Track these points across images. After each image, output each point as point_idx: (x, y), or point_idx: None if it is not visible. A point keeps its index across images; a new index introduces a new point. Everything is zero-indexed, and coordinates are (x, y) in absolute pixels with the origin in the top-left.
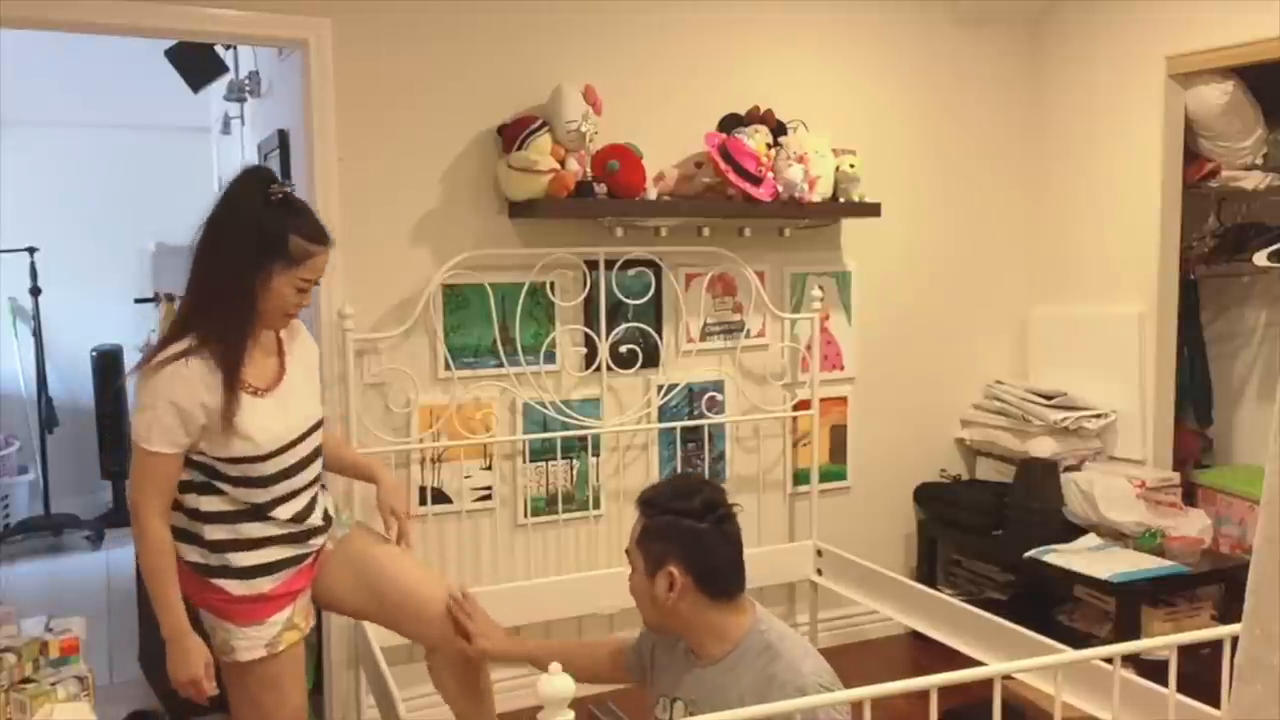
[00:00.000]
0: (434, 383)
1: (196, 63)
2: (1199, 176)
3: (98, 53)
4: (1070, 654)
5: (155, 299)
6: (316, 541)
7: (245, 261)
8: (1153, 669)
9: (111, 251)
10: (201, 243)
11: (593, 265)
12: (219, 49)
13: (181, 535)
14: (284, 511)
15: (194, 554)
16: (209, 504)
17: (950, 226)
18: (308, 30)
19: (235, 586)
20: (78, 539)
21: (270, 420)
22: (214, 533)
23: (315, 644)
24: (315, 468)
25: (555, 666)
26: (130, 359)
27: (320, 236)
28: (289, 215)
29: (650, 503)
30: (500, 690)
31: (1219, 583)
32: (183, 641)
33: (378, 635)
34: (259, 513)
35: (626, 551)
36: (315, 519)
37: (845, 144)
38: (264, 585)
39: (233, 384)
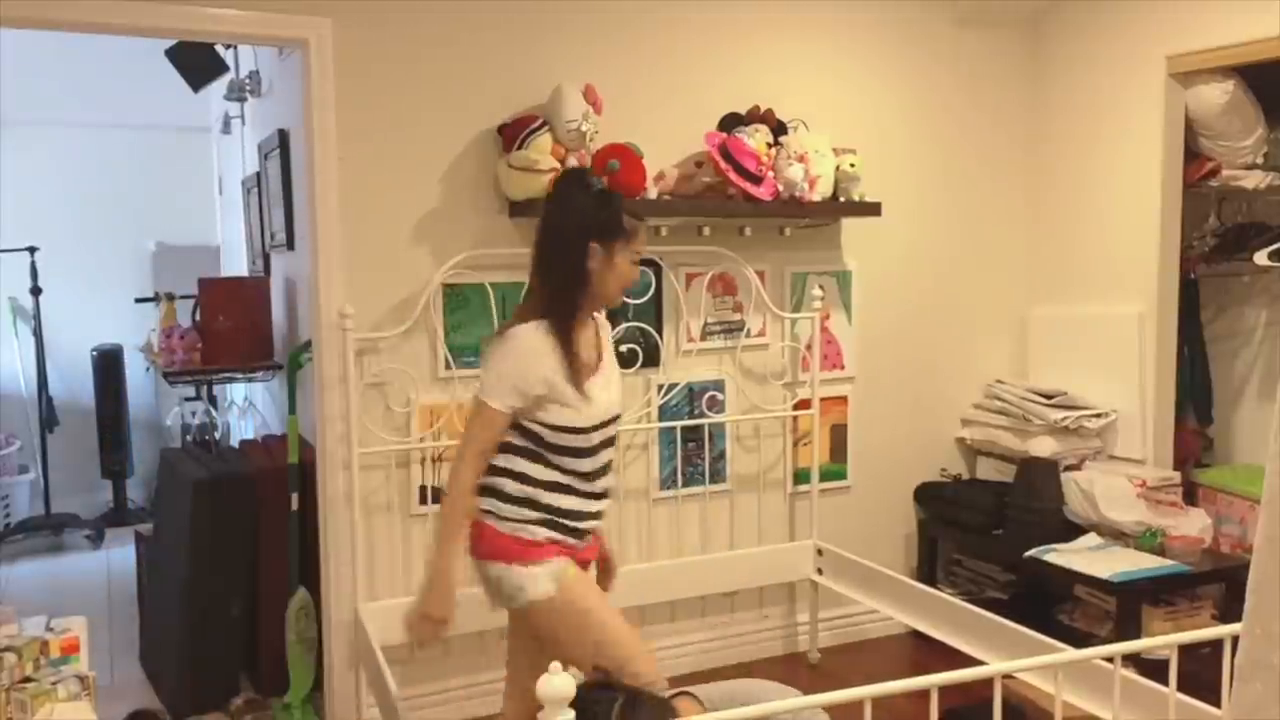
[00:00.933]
0: (434, 382)
1: (197, 62)
2: (1199, 176)
3: (98, 52)
4: (1071, 653)
5: (155, 298)
6: (592, 524)
7: (588, 248)
8: (1153, 668)
9: (112, 251)
10: (544, 241)
11: None
12: (219, 49)
13: (490, 490)
14: (583, 484)
15: (504, 509)
16: (526, 467)
17: (951, 226)
18: (308, 30)
19: (533, 531)
20: (78, 538)
21: (596, 396)
22: (521, 488)
23: (316, 643)
24: (611, 453)
25: (556, 666)
26: (131, 358)
27: (636, 213)
28: (611, 200)
29: None
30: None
31: (1219, 582)
32: (447, 581)
33: (378, 634)
34: (569, 478)
35: None
36: (601, 504)
37: (845, 143)
38: (543, 534)
39: (572, 361)
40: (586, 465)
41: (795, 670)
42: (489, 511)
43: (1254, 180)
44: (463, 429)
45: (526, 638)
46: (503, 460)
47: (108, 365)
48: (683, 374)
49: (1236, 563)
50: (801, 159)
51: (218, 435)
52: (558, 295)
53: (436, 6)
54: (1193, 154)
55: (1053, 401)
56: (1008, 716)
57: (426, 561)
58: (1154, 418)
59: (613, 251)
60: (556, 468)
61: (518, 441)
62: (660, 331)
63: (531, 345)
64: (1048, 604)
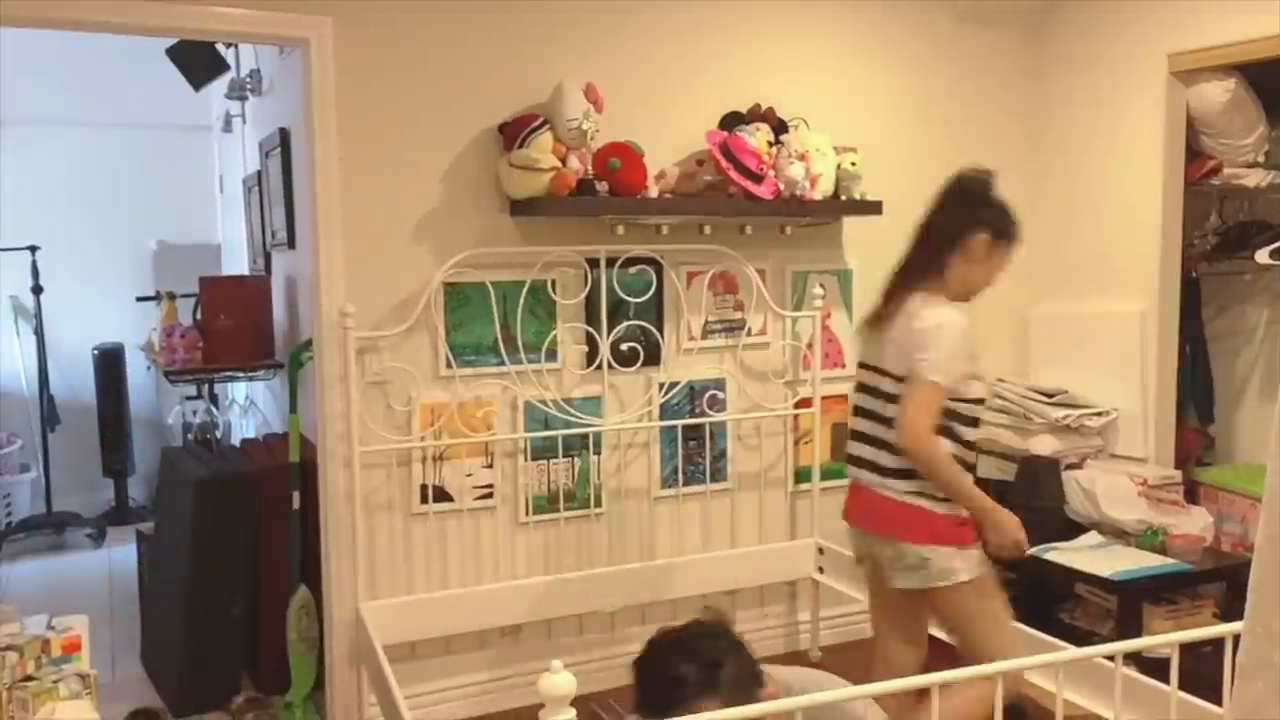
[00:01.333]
0: (435, 381)
1: (198, 61)
2: (1201, 174)
3: (99, 51)
4: (1072, 652)
5: (157, 297)
6: None
7: (992, 245)
8: (1155, 667)
9: (113, 250)
10: (951, 227)
11: (594, 263)
12: (220, 47)
13: (907, 474)
14: (970, 456)
15: (926, 487)
16: (948, 446)
17: None
18: (309, 29)
19: (960, 510)
20: (79, 537)
21: None
22: None
23: (317, 642)
24: None
25: (557, 664)
26: (132, 357)
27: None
28: (1007, 205)
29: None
30: (500, 688)
31: (1221, 581)
32: (997, 513)
33: (379, 633)
34: (963, 450)
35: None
36: None
37: (846, 142)
38: (965, 512)
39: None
40: (973, 434)
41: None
42: (919, 493)
43: (1255, 179)
44: (908, 409)
45: (907, 617)
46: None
47: (109, 364)
48: (684, 373)
49: (1238, 561)
50: (802, 157)
51: (219, 434)
52: (960, 278)
53: (437, 5)
54: (1194, 152)
55: (1054, 400)
56: (1009, 715)
57: (977, 509)
58: (1155, 416)
59: (1005, 253)
60: (959, 440)
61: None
62: (661, 330)
63: (965, 324)
64: (1049, 603)
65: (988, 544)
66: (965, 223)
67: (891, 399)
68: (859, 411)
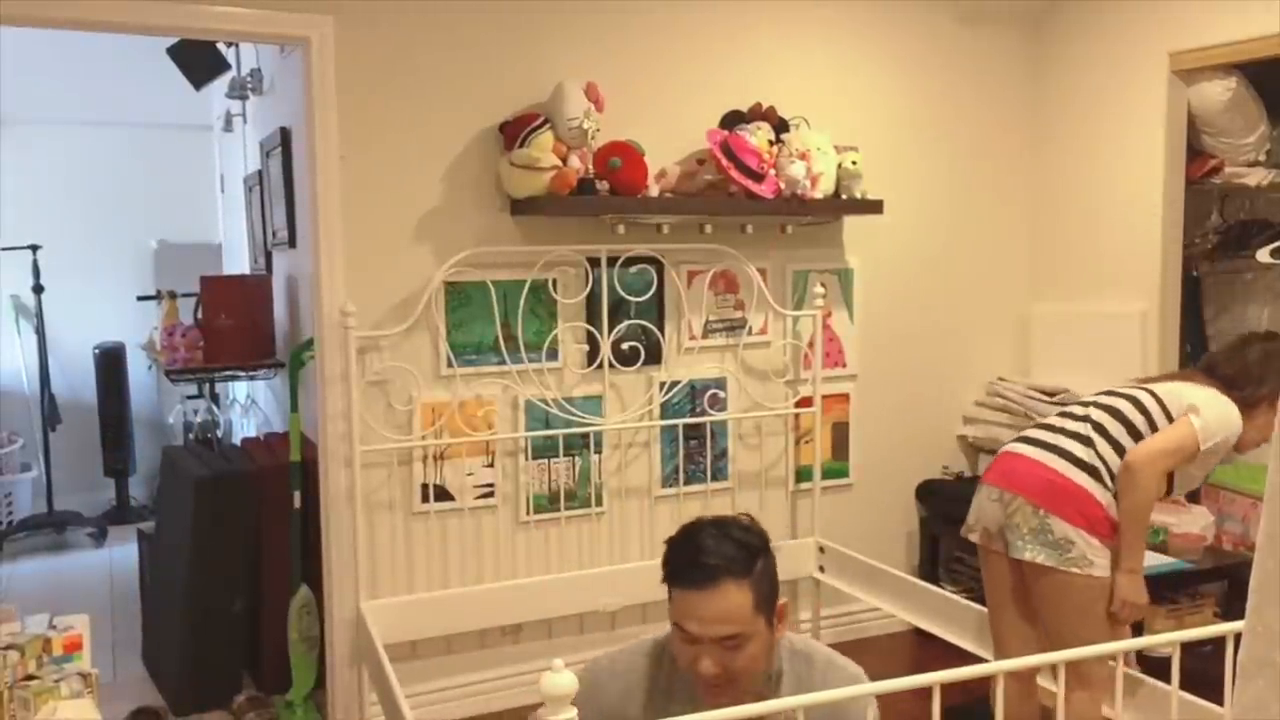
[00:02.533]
0: (436, 380)
1: (198, 60)
2: (1201, 173)
3: (100, 50)
4: (1072, 651)
5: (158, 296)
6: None
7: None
8: (1156, 665)
9: (114, 249)
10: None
11: (595, 262)
12: (221, 46)
13: (1093, 471)
14: None
15: (1104, 488)
16: None
17: (952, 223)
18: (309, 28)
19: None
20: (80, 536)
21: None
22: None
23: (318, 641)
24: None
25: (558, 663)
26: (133, 356)
27: None
28: None
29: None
30: (501, 688)
31: (1221, 579)
32: (1141, 575)
33: (380, 632)
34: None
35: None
36: None
37: (847, 141)
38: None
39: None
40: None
41: None
42: (1096, 482)
43: (1256, 178)
44: (1161, 446)
45: (1022, 595)
46: (1120, 451)
47: (110, 363)
48: (684, 372)
49: (1238, 560)
50: (803, 156)
51: (220, 433)
52: (1243, 404)
53: (438, 5)
54: (1195, 151)
55: (1055, 399)
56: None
57: (1136, 555)
58: None
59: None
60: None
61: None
62: (662, 329)
63: (1236, 422)
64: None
65: (1113, 598)
66: None
67: (1133, 426)
68: (1067, 415)
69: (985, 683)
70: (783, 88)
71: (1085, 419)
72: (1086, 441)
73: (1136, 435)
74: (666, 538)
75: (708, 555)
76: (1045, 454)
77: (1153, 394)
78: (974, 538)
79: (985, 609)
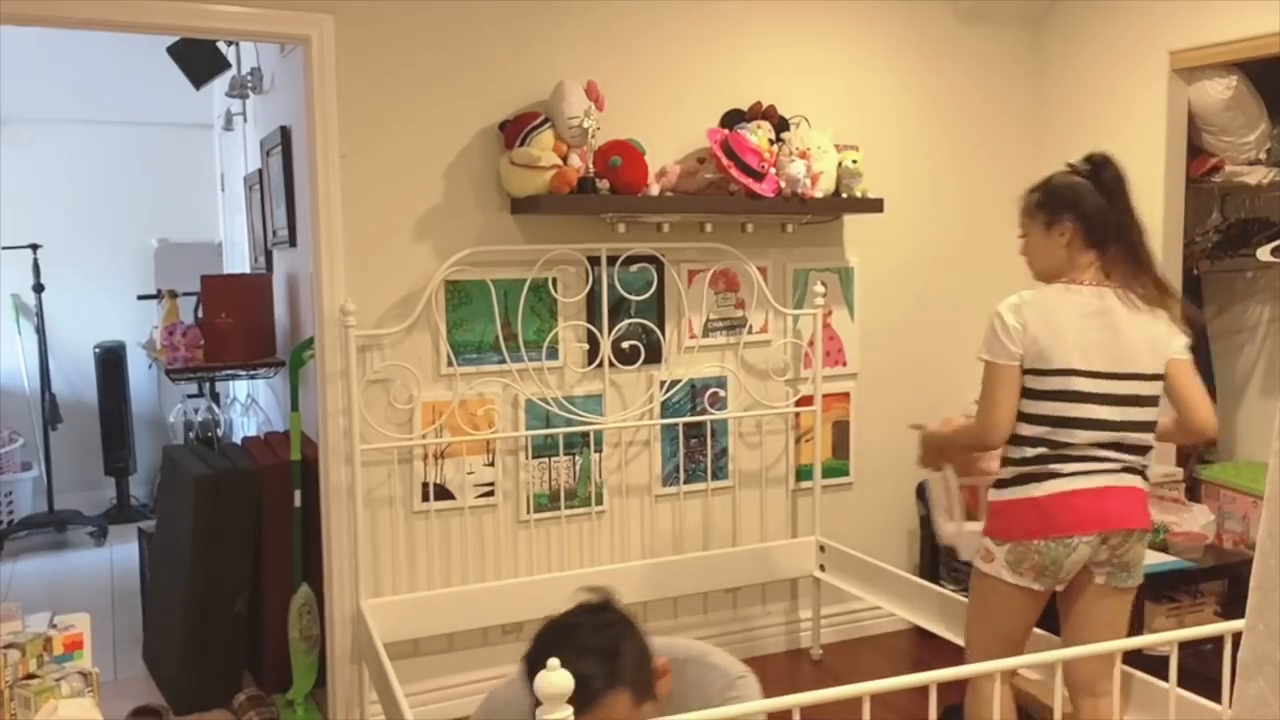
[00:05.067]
0: (436, 379)
1: (199, 59)
2: (1202, 171)
3: (100, 49)
4: (1071, 650)
5: (158, 295)
6: None
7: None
8: (1157, 664)
9: (114, 248)
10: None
11: (595, 261)
12: (221, 45)
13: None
14: None
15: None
16: None
17: (953, 222)
18: (310, 27)
19: None
20: (81, 535)
21: None
22: None
23: (319, 640)
24: None
25: (554, 662)
26: (133, 355)
27: None
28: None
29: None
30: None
31: (1222, 578)
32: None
33: (381, 631)
34: None
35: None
36: None
37: (848, 140)
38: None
39: None
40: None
41: (798, 666)
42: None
43: (1257, 176)
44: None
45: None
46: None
47: (110, 362)
48: (685, 371)
49: (1239, 559)
50: (804, 155)
51: (220, 432)
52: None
53: (439, 4)
54: (1196, 150)
55: None
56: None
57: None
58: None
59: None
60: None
61: None
62: (662, 328)
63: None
64: (1050, 600)
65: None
66: None
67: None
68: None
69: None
70: (783, 86)
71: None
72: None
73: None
74: (523, 656)
75: (580, 687)
76: (1136, 479)
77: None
78: (1034, 586)
79: None
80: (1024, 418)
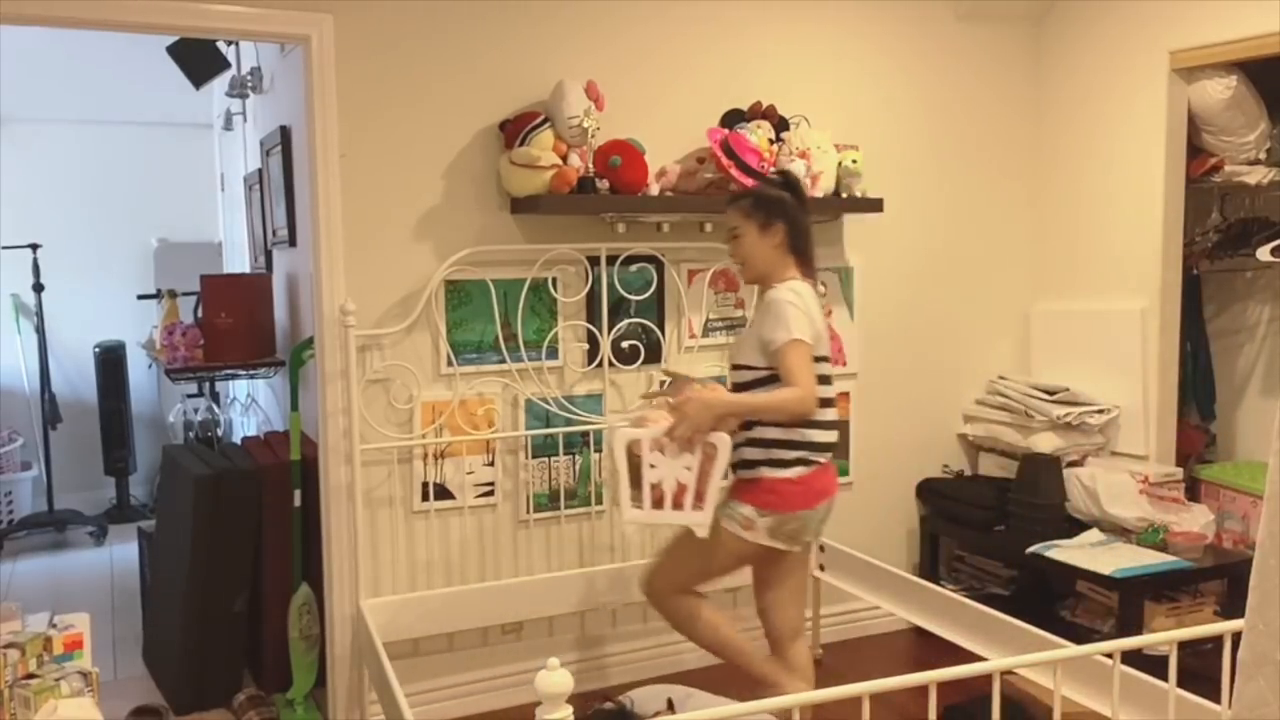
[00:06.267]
0: (436, 378)
1: (199, 59)
2: (1202, 171)
3: (100, 49)
4: (1070, 649)
5: (158, 295)
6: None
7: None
8: (1157, 664)
9: (114, 248)
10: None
11: (595, 261)
12: (221, 45)
13: None
14: None
15: None
16: None
17: (953, 222)
18: (309, 26)
19: None
20: (81, 535)
21: None
22: None
23: (319, 639)
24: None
25: (553, 662)
26: (133, 355)
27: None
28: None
29: None
30: (502, 686)
31: (1222, 578)
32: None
33: (380, 630)
34: None
35: None
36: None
37: (847, 140)
38: None
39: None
40: None
41: None
42: None
43: (1257, 176)
44: None
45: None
46: None
47: (110, 362)
48: (685, 370)
49: (1239, 559)
50: (803, 155)
51: (220, 432)
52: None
53: (438, 3)
54: (1195, 149)
55: (1055, 397)
56: (1009, 713)
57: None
58: (1156, 413)
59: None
60: None
61: None
62: (662, 328)
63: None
64: (1050, 600)
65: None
66: None
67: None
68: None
69: (985, 683)
70: (783, 86)
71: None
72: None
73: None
74: None
75: None
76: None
77: None
78: (783, 546)
79: (983, 607)
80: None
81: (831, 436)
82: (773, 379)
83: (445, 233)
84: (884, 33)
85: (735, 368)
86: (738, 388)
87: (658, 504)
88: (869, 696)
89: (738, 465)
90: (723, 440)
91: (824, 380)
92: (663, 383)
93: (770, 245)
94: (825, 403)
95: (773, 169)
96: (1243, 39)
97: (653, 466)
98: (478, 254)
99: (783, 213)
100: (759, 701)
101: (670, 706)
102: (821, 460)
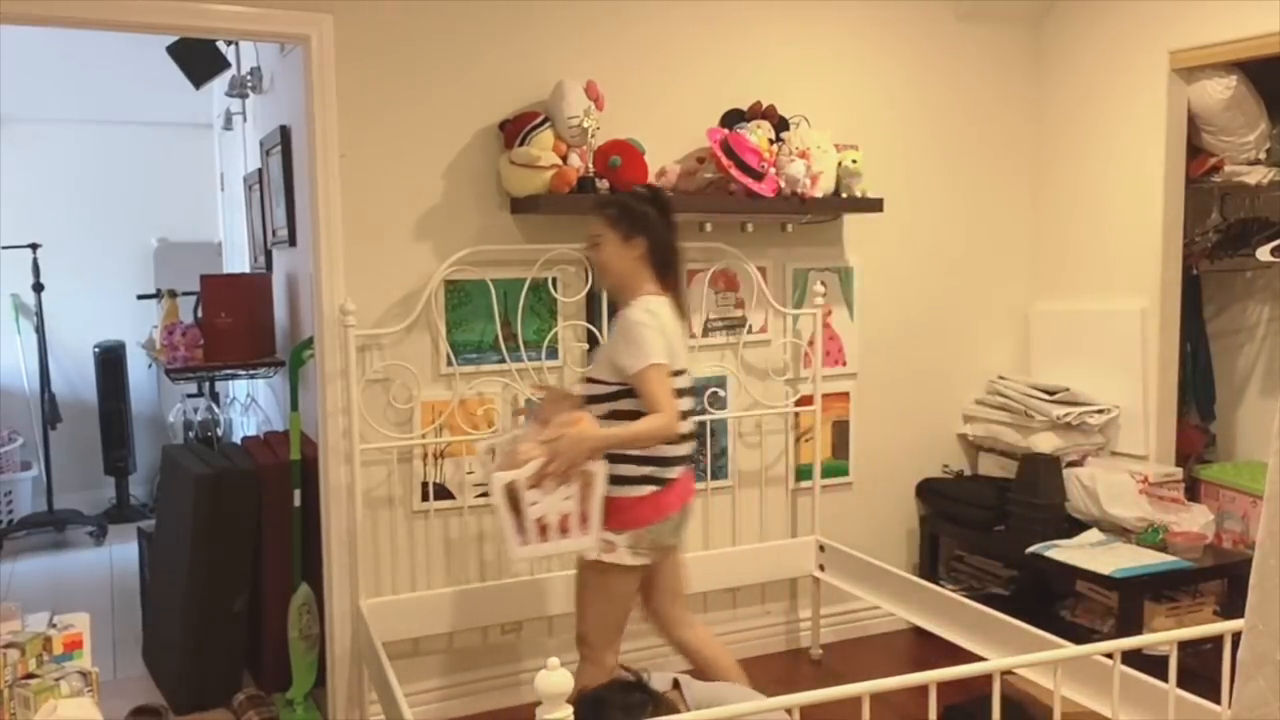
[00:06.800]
0: (436, 378)
1: (199, 59)
2: (1202, 171)
3: (100, 49)
4: (1069, 649)
5: (158, 295)
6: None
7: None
8: (1157, 664)
9: (114, 247)
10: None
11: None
12: (221, 45)
13: None
14: None
15: None
16: None
17: (953, 222)
18: (309, 26)
19: None
20: (81, 535)
21: None
22: None
23: (318, 639)
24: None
25: (553, 661)
26: (133, 355)
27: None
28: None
29: None
30: (502, 686)
31: (1222, 578)
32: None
33: (380, 630)
34: None
35: None
36: None
37: (847, 140)
38: None
39: None
40: None
41: (797, 666)
42: None
43: (1257, 176)
44: None
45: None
46: None
47: (110, 362)
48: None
49: (1239, 559)
50: (803, 155)
51: (220, 432)
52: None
53: (438, 3)
54: (1195, 149)
55: (1055, 397)
56: (1008, 713)
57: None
58: (1156, 414)
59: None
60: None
61: None
62: None
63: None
64: (1050, 600)
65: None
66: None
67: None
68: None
69: (984, 683)
70: (783, 86)
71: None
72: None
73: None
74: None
75: None
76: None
77: None
78: (649, 560)
79: (983, 608)
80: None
81: (685, 449)
82: (624, 394)
83: (445, 233)
84: (884, 33)
85: (589, 381)
86: (590, 400)
87: (543, 535)
88: (869, 696)
89: None
90: (600, 466)
91: (680, 393)
92: (528, 401)
93: (630, 257)
94: (682, 415)
95: (773, 168)
96: (1243, 39)
97: (534, 503)
98: (478, 254)
99: (645, 227)
100: (762, 702)
101: (676, 685)
102: (673, 476)
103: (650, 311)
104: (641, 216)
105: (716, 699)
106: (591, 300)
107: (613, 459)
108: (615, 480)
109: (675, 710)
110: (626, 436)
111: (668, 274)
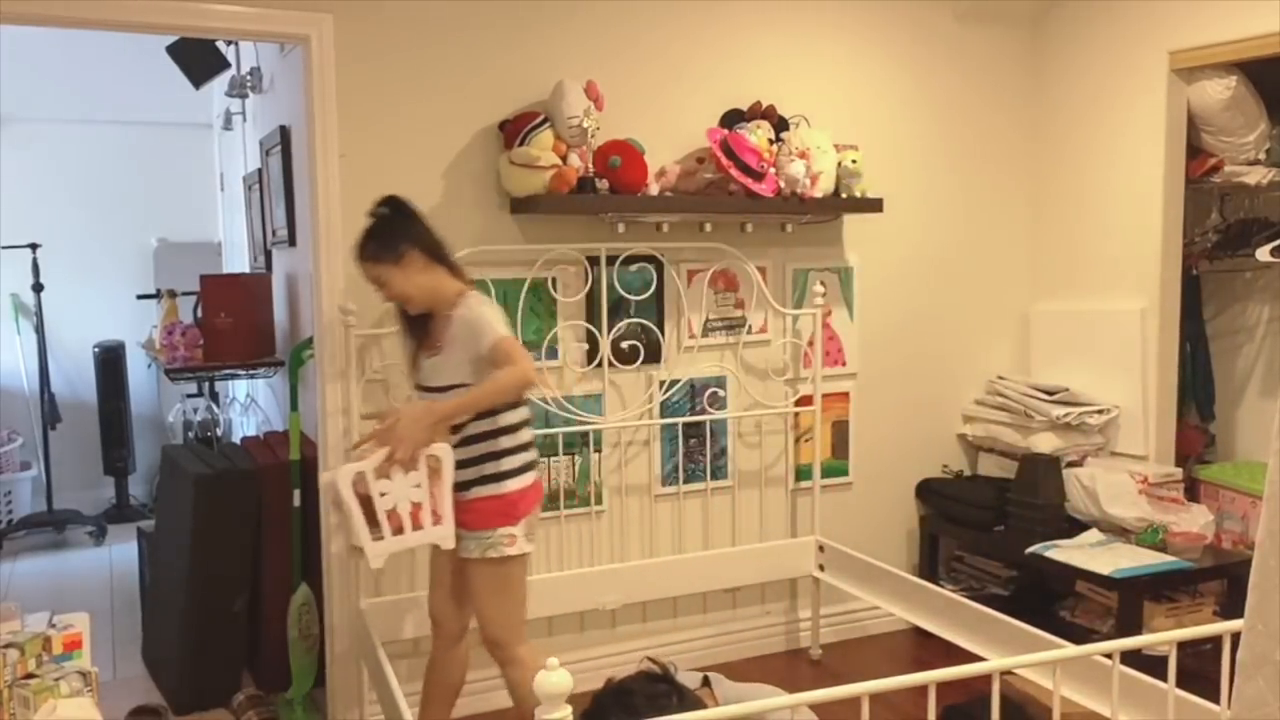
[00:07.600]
0: None
1: (198, 59)
2: (1202, 172)
3: (99, 49)
4: (1068, 650)
5: (157, 295)
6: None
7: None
8: (1156, 664)
9: (114, 247)
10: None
11: (594, 261)
12: (221, 45)
13: None
14: None
15: None
16: None
17: (953, 222)
18: (309, 26)
19: None
20: (80, 535)
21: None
22: None
23: (318, 639)
24: None
25: (553, 661)
26: (133, 355)
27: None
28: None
29: None
30: (501, 685)
31: (1221, 578)
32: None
33: (380, 630)
34: None
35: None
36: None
37: (847, 140)
38: None
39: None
40: None
41: (797, 666)
42: None
43: (1256, 176)
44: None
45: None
46: None
47: (110, 362)
48: (684, 370)
49: (1238, 559)
50: (803, 155)
51: (220, 432)
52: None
53: (438, 3)
54: (1195, 150)
55: (1054, 398)
56: (1008, 713)
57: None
58: (1156, 414)
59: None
60: None
61: None
62: (662, 328)
63: None
64: (1049, 600)
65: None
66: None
67: None
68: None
69: (984, 683)
70: (783, 86)
71: None
72: None
73: None
74: (583, 711)
75: None
76: None
77: None
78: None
79: (983, 608)
80: (512, 406)
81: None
82: (465, 387)
83: (445, 232)
84: (883, 33)
85: (423, 390)
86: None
87: (398, 530)
88: (869, 697)
89: (475, 482)
90: (444, 450)
91: None
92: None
93: (416, 271)
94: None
95: (772, 168)
96: (1242, 39)
97: (383, 495)
98: (477, 254)
99: (404, 237)
100: (762, 702)
101: (706, 682)
102: (536, 455)
103: (482, 301)
104: (390, 233)
105: (749, 698)
106: (591, 300)
107: (493, 456)
108: (501, 476)
109: (702, 705)
110: (468, 400)
111: (448, 260)
